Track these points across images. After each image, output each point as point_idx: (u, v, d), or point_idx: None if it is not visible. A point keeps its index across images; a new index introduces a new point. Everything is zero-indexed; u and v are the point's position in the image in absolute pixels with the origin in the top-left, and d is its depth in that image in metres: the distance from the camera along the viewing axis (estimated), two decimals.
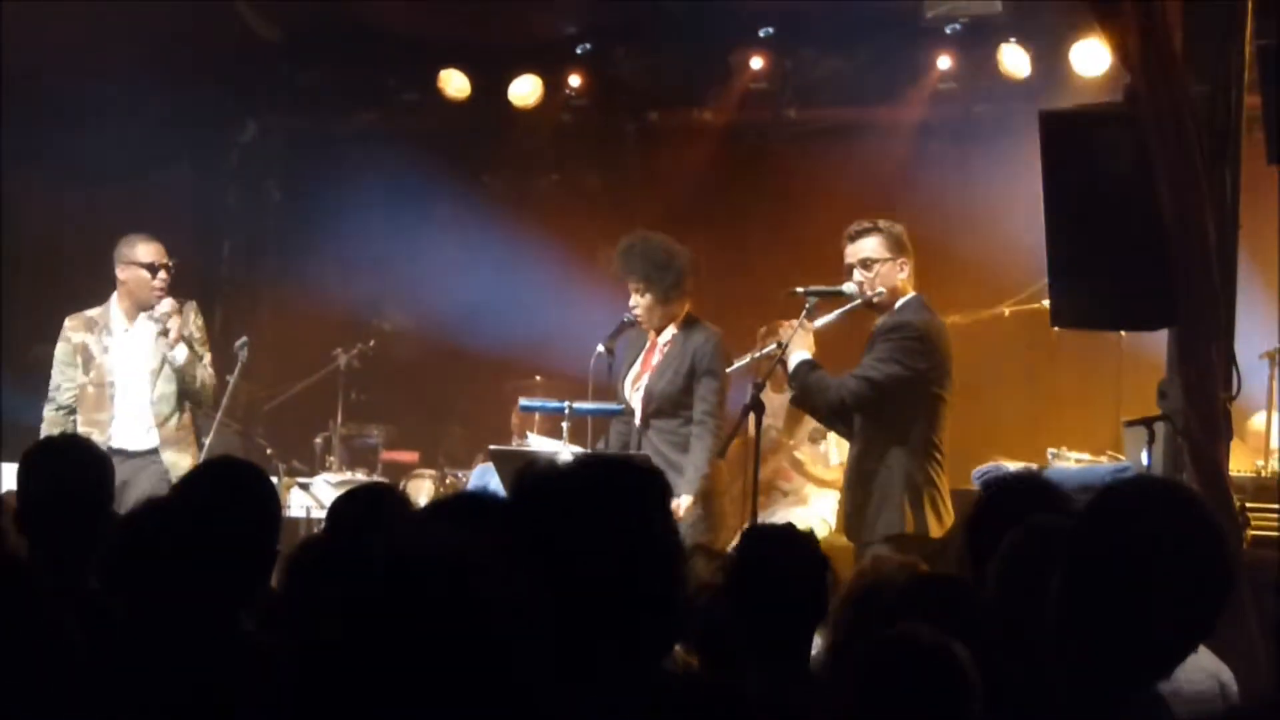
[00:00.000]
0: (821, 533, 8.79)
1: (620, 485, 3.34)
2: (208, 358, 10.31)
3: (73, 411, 10.22)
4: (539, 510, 3.29)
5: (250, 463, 5.10)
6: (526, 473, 3.38)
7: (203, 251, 10.31)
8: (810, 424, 10.97)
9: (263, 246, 11.43)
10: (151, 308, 10.18)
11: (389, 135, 13.94)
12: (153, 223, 12.76)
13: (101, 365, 10.21)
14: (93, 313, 10.38)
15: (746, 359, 9.08)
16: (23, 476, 5.82)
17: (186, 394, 10.18)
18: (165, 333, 10.13)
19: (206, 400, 10.29)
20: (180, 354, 10.11)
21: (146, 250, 10.23)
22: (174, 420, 10.18)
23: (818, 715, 4.46)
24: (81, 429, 10.04)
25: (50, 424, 10.22)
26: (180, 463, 9.90)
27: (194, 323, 10.28)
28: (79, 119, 12.40)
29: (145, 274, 10.20)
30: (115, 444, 9.85)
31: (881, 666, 3.92)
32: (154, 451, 10.06)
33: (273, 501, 4.87)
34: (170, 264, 10.22)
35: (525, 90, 13.73)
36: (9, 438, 6.53)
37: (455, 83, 13.70)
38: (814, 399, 8.91)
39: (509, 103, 13.78)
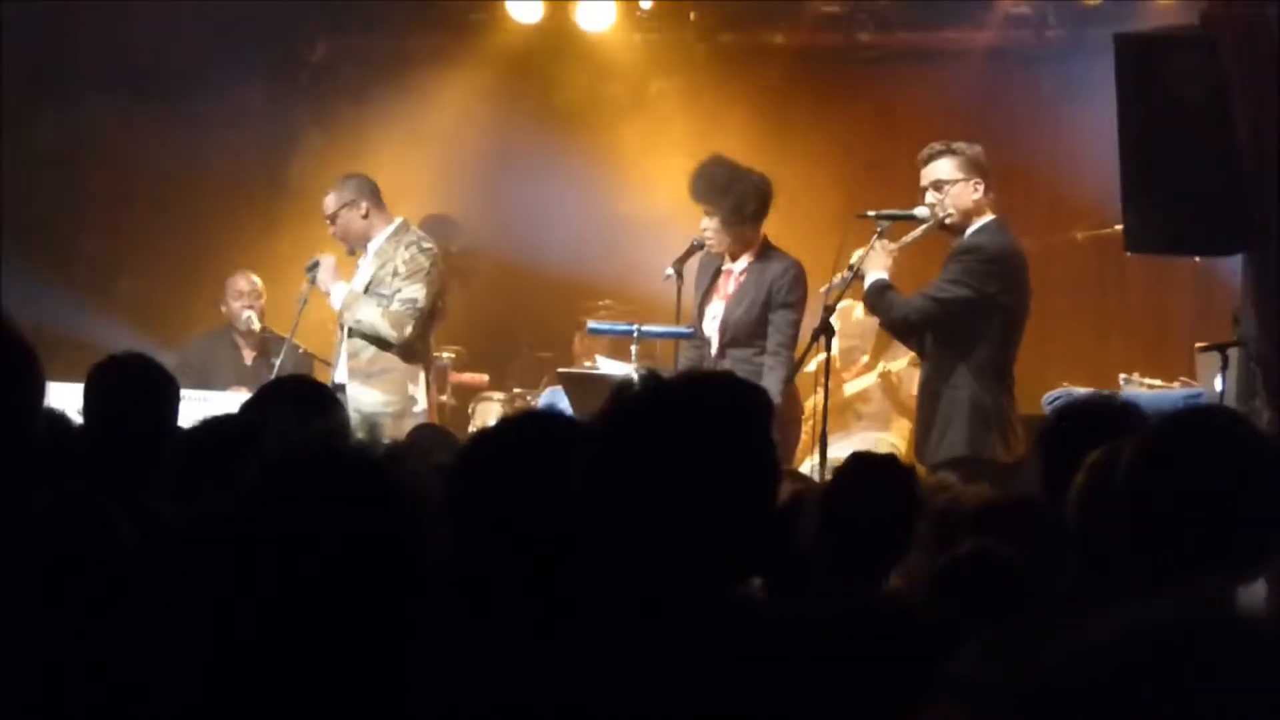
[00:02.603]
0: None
1: (724, 398, 3.22)
2: (405, 291, 9.97)
3: None
4: (638, 423, 3.16)
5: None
6: (626, 387, 3.25)
7: (272, 171, 10.29)
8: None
9: (332, 166, 11.43)
10: (353, 250, 10.26)
11: (459, 56, 13.91)
12: (223, 140, 12.83)
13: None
14: None
15: (826, 288, 8.98)
16: (87, 396, 5.89)
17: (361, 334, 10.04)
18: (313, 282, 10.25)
19: (386, 337, 9.94)
20: (336, 299, 10.10)
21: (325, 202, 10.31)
22: (366, 354, 10.02)
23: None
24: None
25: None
26: (361, 396, 9.78)
27: (398, 257, 10.09)
28: (153, 36, 12.41)
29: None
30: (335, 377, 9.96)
31: (954, 581, 3.92)
32: (343, 388, 9.83)
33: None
34: (331, 214, 10.20)
35: (595, 12, 13.69)
36: (85, 362, 6.61)
37: (524, 4, 13.64)
38: (881, 316, 8.96)
39: (579, 25, 13.74)
